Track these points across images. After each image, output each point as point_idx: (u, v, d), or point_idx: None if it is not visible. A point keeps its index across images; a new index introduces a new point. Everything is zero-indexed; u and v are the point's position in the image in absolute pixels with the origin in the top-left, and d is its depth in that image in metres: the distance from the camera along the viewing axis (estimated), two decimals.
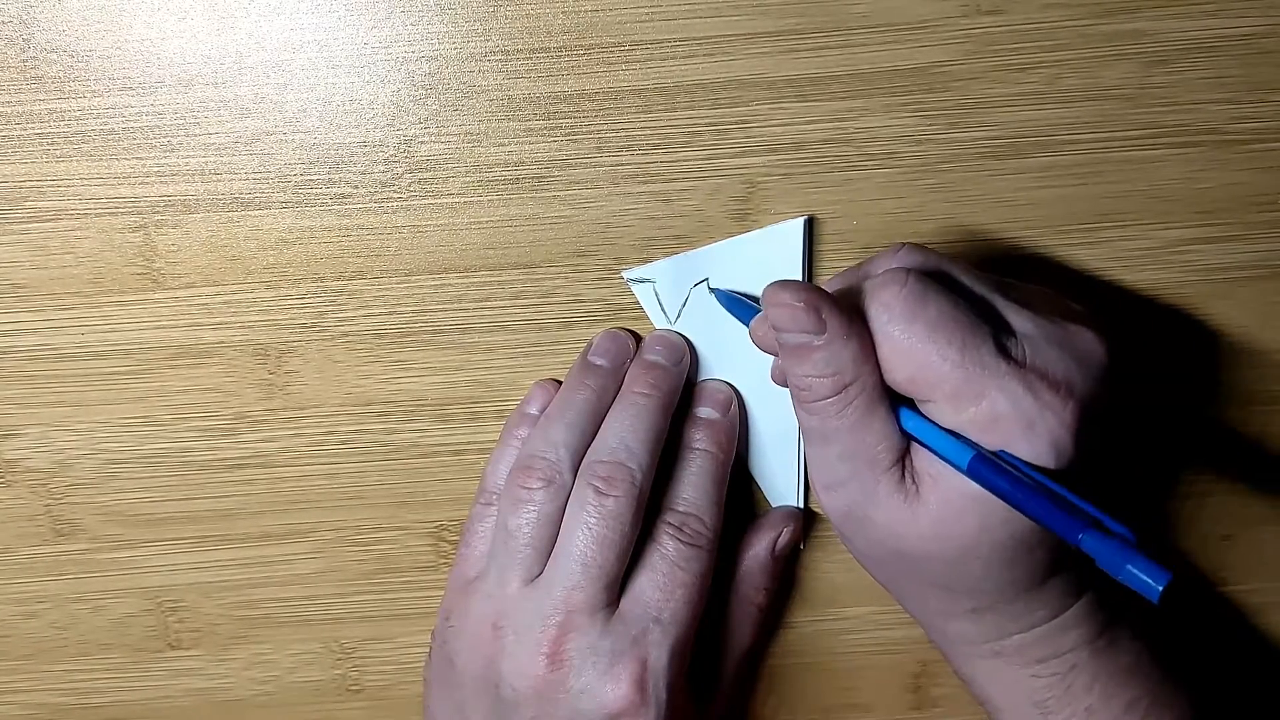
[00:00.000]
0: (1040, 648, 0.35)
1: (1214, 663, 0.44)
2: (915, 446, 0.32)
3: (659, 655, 0.35)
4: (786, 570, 0.42)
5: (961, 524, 0.32)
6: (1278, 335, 0.40)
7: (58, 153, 0.37)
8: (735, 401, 0.39)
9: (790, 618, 0.43)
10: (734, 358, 0.39)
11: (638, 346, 0.39)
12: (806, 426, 0.33)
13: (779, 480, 0.40)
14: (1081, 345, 0.31)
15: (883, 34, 0.36)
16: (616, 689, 0.35)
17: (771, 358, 0.36)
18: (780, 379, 0.36)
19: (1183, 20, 0.36)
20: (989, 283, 0.33)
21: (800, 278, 0.38)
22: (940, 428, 0.31)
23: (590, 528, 0.35)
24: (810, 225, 0.38)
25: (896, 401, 0.32)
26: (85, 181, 0.37)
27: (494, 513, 0.38)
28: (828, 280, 0.36)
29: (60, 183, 0.37)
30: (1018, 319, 0.32)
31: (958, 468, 0.31)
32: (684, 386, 0.39)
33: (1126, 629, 0.36)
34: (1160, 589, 0.27)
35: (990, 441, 0.31)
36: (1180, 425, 0.41)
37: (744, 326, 0.37)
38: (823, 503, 0.34)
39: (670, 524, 0.37)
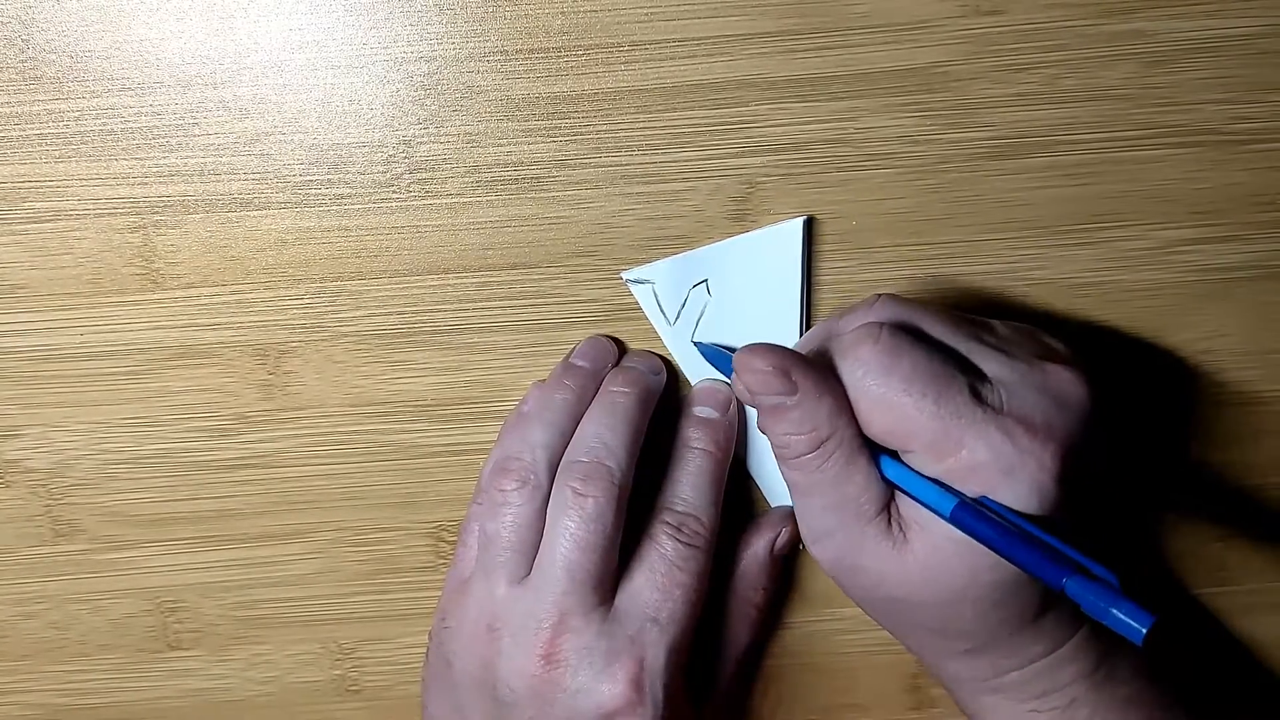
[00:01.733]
0: (1038, 683, 0.35)
1: (1213, 664, 0.44)
2: (901, 494, 0.33)
3: (656, 654, 0.35)
4: (785, 570, 0.42)
5: (950, 569, 0.32)
6: (1277, 335, 0.40)
7: (57, 153, 0.37)
8: (734, 401, 0.39)
9: (789, 618, 0.43)
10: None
11: (621, 353, 0.39)
12: (789, 480, 0.34)
13: (778, 480, 0.40)
14: (1061, 387, 0.31)
15: (882, 34, 0.36)
16: (614, 688, 0.35)
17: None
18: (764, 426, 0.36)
19: (1182, 20, 0.36)
20: (964, 329, 0.33)
21: (799, 279, 0.38)
22: (923, 476, 0.31)
23: (571, 533, 0.35)
24: (810, 226, 0.38)
25: (878, 451, 0.32)
26: (84, 182, 0.37)
27: None
28: (805, 335, 0.36)
29: (59, 183, 0.37)
30: (993, 365, 0.32)
31: (941, 515, 0.31)
32: (681, 387, 0.39)
33: (1125, 660, 0.36)
34: (1144, 631, 0.27)
35: (972, 489, 0.31)
36: (1178, 426, 0.41)
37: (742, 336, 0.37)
38: (812, 553, 0.34)
39: (669, 523, 0.37)
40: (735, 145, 0.37)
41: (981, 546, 0.30)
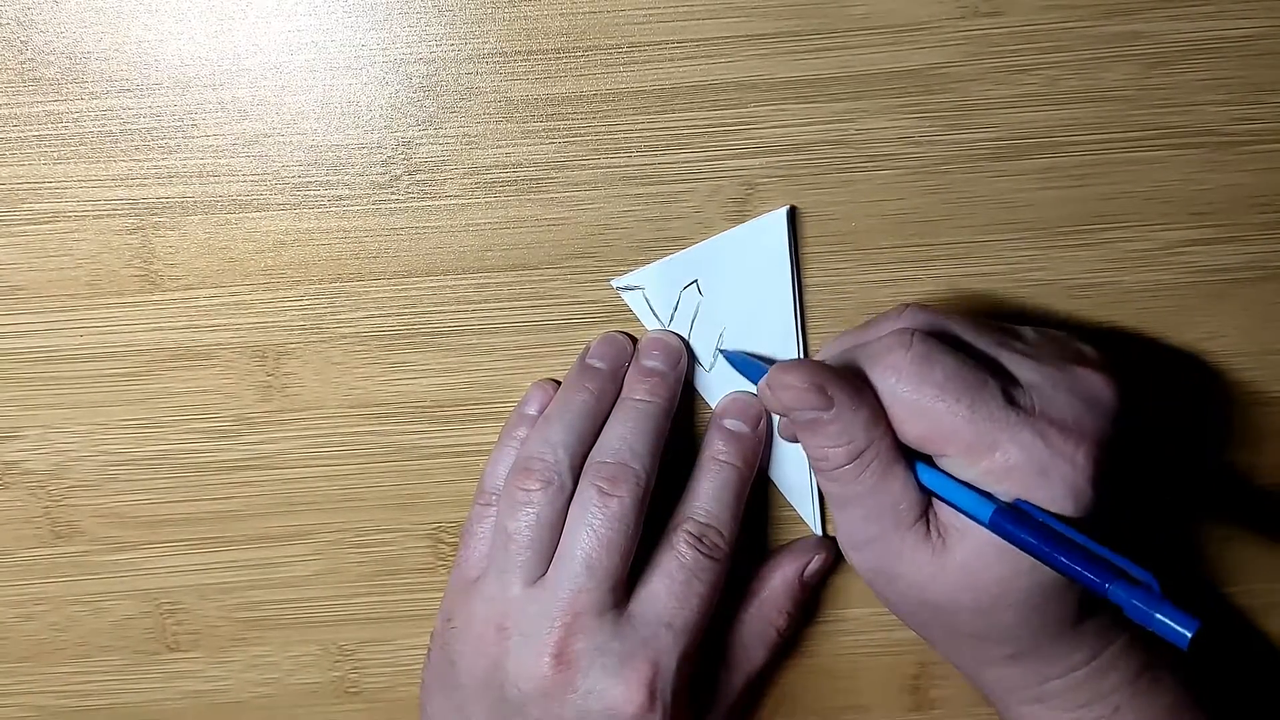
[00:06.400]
0: (1081, 692, 0.35)
1: (1217, 667, 0.44)
2: (938, 500, 0.33)
3: (669, 660, 0.35)
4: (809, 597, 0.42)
5: (990, 573, 0.32)
6: (1277, 336, 0.40)
7: (55, 155, 0.37)
8: (764, 417, 0.39)
9: None
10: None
11: (635, 349, 0.39)
12: (827, 492, 0.34)
13: (799, 485, 0.40)
14: (1090, 389, 0.32)
15: (882, 35, 0.36)
16: (626, 691, 0.35)
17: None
18: (789, 435, 0.36)
19: (1182, 22, 0.36)
20: (992, 335, 0.33)
21: (787, 269, 0.38)
22: (959, 482, 0.32)
23: (595, 529, 0.35)
24: (793, 215, 0.38)
25: (914, 458, 0.33)
26: (83, 183, 0.37)
27: (493, 513, 0.38)
28: (830, 343, 0.36)
29: (58, 185, 0.37)
30: (1023, 369, 0.32)
31: (979, 522, 0.31)
32: (700, 391, 0.39)
33: (1167, 669, 0.35)
34: (1190, 636, 0.27)
35: (1007, 491, 0.31)
36: (1179, 426, 0.41)
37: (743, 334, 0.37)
38: (851, 560, 0.35)
39: (690, 533, 0.37)
40: (735, 147, 0.37)
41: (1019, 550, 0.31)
